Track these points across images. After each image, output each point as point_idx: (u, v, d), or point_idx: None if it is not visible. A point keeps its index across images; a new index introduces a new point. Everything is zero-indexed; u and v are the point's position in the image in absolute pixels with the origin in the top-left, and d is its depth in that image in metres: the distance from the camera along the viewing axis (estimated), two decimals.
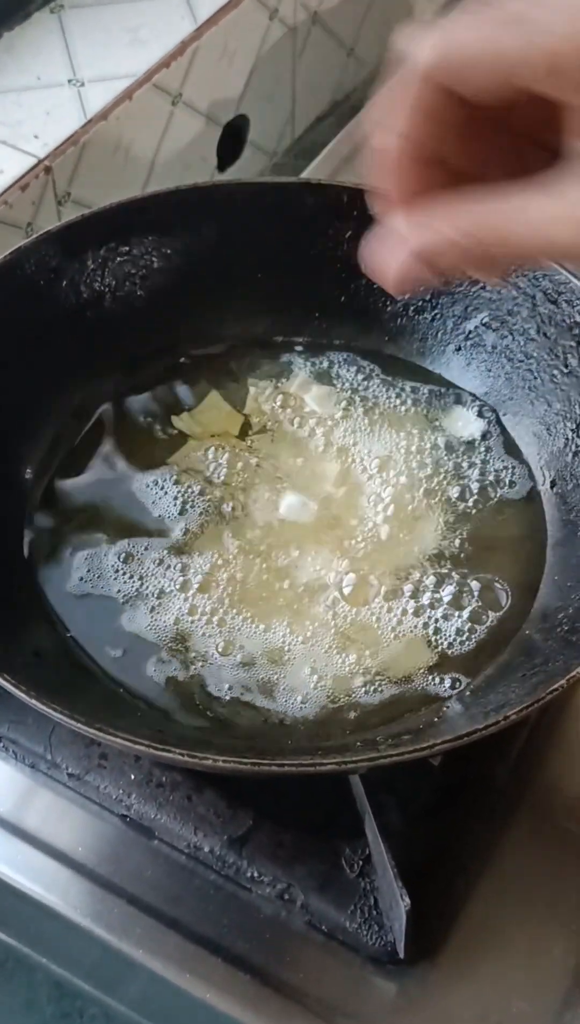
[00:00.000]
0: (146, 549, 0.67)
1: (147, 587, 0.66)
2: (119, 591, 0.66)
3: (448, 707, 0.61)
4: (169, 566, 0.67)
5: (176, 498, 0.70)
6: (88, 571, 0.67)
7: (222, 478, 0.71)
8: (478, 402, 0.76)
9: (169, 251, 0.76)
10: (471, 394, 0.76)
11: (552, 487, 0.70)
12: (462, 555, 0.68)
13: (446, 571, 0.67)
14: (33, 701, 0.52)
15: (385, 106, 0.41)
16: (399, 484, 0.71)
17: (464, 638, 0.65)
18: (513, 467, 0.72)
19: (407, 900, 0.54)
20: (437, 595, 0.66)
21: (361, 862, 0.59)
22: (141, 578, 0.66)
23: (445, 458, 0.73)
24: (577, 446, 0.69)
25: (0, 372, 0.69)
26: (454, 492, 0.71)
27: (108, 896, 0.60)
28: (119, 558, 0.67)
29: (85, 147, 0.84)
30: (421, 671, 0.63)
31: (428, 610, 0.65)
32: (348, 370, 0.77)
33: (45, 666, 0.61)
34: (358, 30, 1.17)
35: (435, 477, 0.72)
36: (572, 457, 0.69)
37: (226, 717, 0.61)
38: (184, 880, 0.60)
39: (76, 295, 0.73)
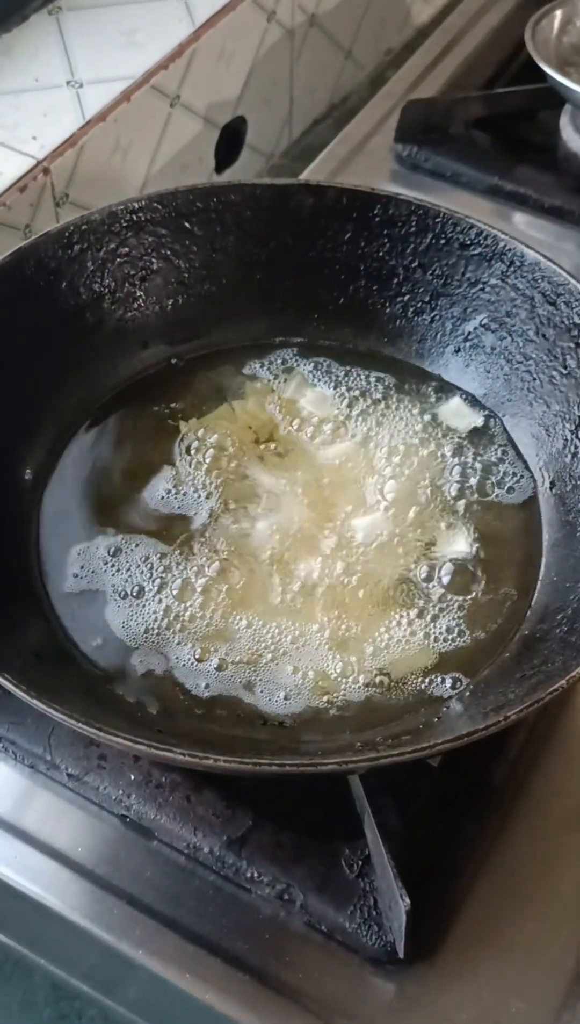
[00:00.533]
0: (141, 548, 0.67)
1: (146, 587, 0.66)
2: (117, 590, 0.66)
3: (447, 708, 0.62)
4: (167, 566, 0.67)
5: (174, 499, 0.70)
6: (85, 570, 0.67)
7: (220, 480, 0.71)
8: (477, 404, 0.76)
9: (168, 253, 0.76)
10: (470, 395, 0.76)
11: (551, 488, 0.71)
12: (461, 556, 0.68)
13: (444, 572, 0.67)
14: (34, 701, 0.53)
15: None
16: (397, 486, 0.71)
17: (463, 639, 0.65)
18: (512, 468, 0.72)
19: (407, 900, 0.54)
20: (436, 596, 0.66)
21: (360, 862, 0.59)
22: (139, 578, 0.66)
23: (443, 460, 0.73)
24: (576, 447, 0.69)
25: None
26: (452, 493, 0.71)
27: (107, 897, 0.60)
28: (116, 558, 0.67)
29: (83, 149, 0.84)
30: (420, 672, 0.63)
31: (427, 611, 0.66)
32: (346, 371, 0.77)
33: (45, 667, 0.61)
34: (356, 32, 1.17)
35: (433, 478, 0.72)
36: (571, 458, 0.70)
37: (224, 718, 0.61)
38: (183, 881, 0.60)
39: (75, 296, 0.73)
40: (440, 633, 0.65)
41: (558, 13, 1.01)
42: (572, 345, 0.70)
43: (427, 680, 0.63)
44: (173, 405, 0.75)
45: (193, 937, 0.58)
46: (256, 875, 0.59)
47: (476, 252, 0.74)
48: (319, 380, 0.77)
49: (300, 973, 0.57)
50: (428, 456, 0.73)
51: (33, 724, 0.64)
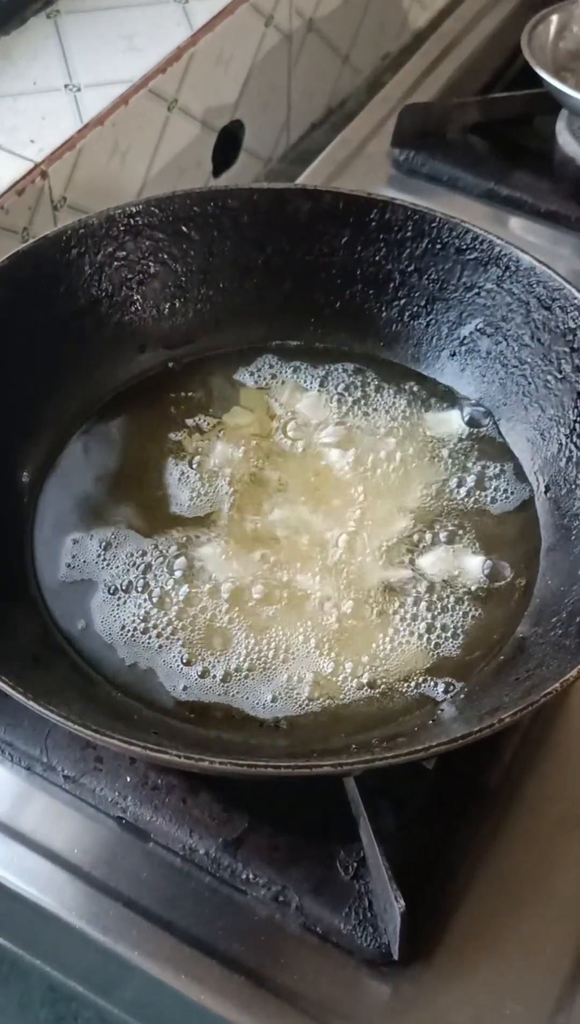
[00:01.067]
0: (135, 547, 0.68)
1: (145, 586, 0.66)
2: (115, 591, 0.66)
3: (442, 710, 0.62)
4: (158, 566, 0.67)
5: (168, 501, 0.70)
6: (78, 569, 0.67)
7: (215, 483, 0.71)
8: (472, 407, 0.76)
9: (165, 257, 0.76)
10: (465, 399, 0.76)
11: (546, 492, 0.71)
12: (455, 559, 0.68)
13: (439, 576, 0.67)
14: (31, 703, 0.53)
15: None
16: (392, 489, 0.72)
17: (458, 642, 0.65)
18: (507, 472, 0.73)
19: (402, 902, 0.55)
20: (431, 599, 0.66)
21: (355, 864, 0.59)
22: (138, 577, 0.66)
23: (439, 464, 0.73)
24: (571, 451, 0.70)
25: None
26: (448, 497, 0.72)
27: (104, 898, 0.60)
28: (108, 553, 0.67)
29: (81, 152, 0.84)
30: (415, 675, 0.63)
31: (422, 614, 0.66)
32: (343, 376, 0.78)
33: (43, 669, 0.61)
34: (353, 37, 1.18)
35: (429, 483, 0.72)
36: (566, 462, 0.70)
37: (219, 720, 0.62)
38: (179, 883, 0.60)
39: (72, 300, 0.73)
40: (435, 636, 0.65)
41: (554, 18, 1.01)
42: (567, 350, 0.70)
43: (422, 683, 0.63)
44: (170, 408, 0.76)
45: (189, 939, 0.59)
46: (252, 877, 0.59)
47: (472, 257, 0.74)
48: (315, 384, 0.77)
49: (296, 975, 0.58)
50: (423, 460, 0.73)
51: (30, 726, 0.64)
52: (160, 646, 0.64)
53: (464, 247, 0.74)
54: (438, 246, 0.75)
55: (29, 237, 0.81)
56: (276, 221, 0.76)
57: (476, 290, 0.75)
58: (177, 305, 0.77)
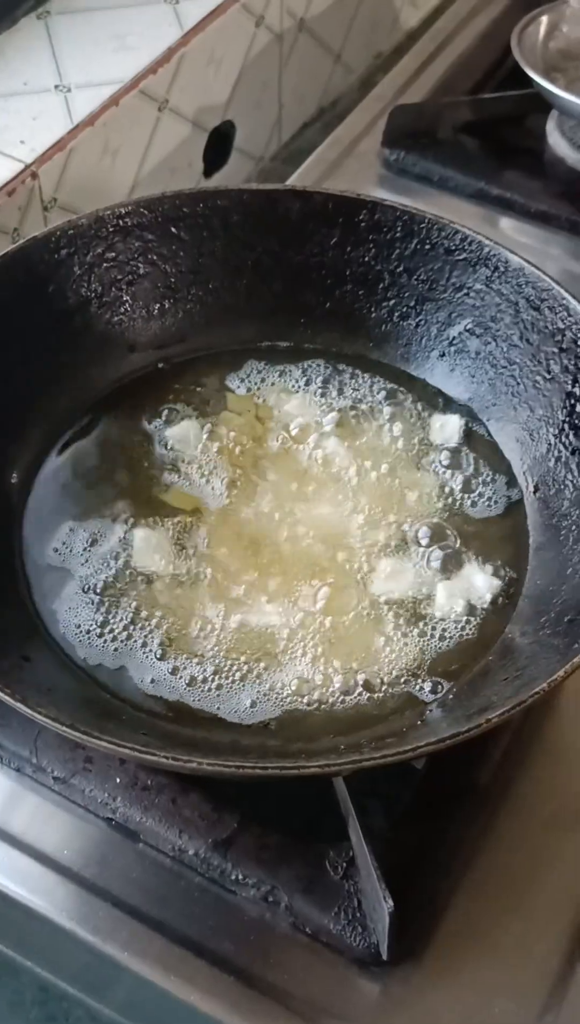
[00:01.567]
0: (122, 545, 0.68)
1: (131, 585, 0.66)
2: (100, 590, 0.66)
3: (431, 710, 0.62)
4: (146, 564, 0.67)
5: (162, 499, 0.71)
6: (68, 574, 0.67)
7: (203, 484, 0.72)
8: (462, 407, 0.76)
9: (155, 257, 0.76)
10: (455, 400, 0.76)
11: (535, 492, 0.71)
12: (445, 559, 0.69)
13: (429, 576, 0.68)
14: (19, 705, 0.53)
15: None
16: (381, 489, 0.72)
17: (447, 642, 0.65)
18: (496, 472, 0.73)
19: (390, 902, 0.55)
20: (420, 599, 0.67)
21: (345, 864, 0.60)
22: (124, 576, 0.67)
23: (428, 463, 0.73)
24: (559, 452, 0.70)
25: None
26: (437, 497, 0.72)
27: (93, 899, 0.60)
28: (98, 558, 0.67)
29: (72, 153, 0.84)
30: (404, 675, 0.64)
31: (412, 614, 0.66)
32: (332, 376, 0.78)
33: (33, 670, 0.61)
34: (345, 37, 1.18)
35: (418, 483, 0.72)
36: (554, 462, 0.70)
37: (208, 721, 0.62)
38: (169, 883, 0.60)
39: (63, 301, 0.73)
40: (424, 636, 0.65)
41: (544, 19, 1.01)
42: (556, 350, 0.70)
43: (411, 683, 0.63)
44: (160, 408, 0.76)
45: (179, 939, 0.59)
46: (241, 877, 0.59)
47: (461, 257, 0.74)
48: (305, 384, 0.77)
49: (285, 974, 0.58)
50: (413, 461, 0.74)
51: (19, 726, 0.64)
52: (143, 645, 0.64)
53: (453, 248, 0.74)
54: (427, 246, 0.75)
55: (20, 238, 0.81)
56: (266, 222, 0.76)
57: (465, 291, 0.75)
58: (167, 306, 0.77)
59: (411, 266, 0.76)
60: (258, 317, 0.79)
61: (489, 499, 0.72)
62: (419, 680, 0.63)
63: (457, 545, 0.69)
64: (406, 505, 0.71)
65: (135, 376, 0.77)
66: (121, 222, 0.74)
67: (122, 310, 0.76)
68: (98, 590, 0.66)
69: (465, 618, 0.66)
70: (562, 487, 0.69)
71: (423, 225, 0.75)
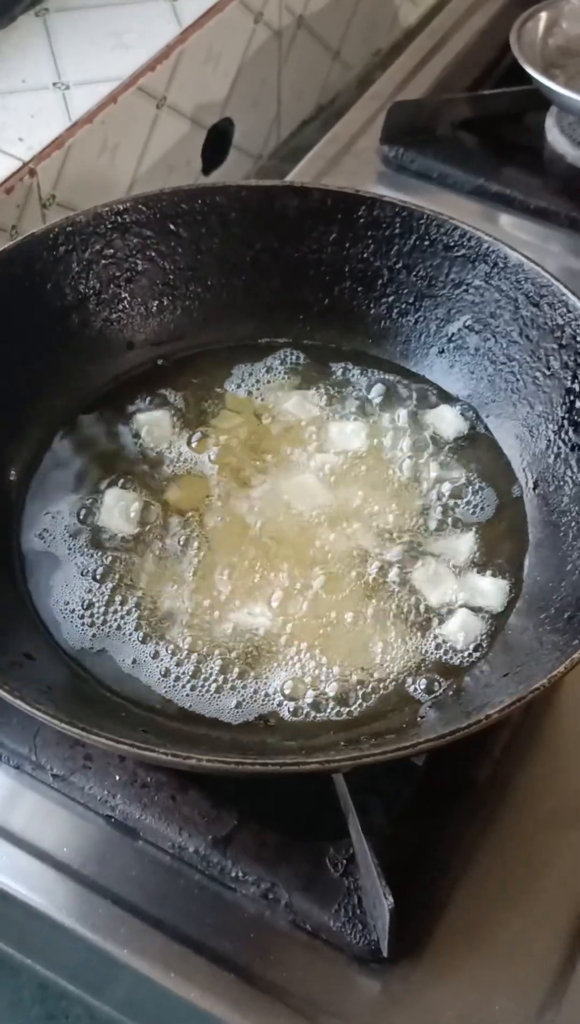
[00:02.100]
0: (124, 543, 0.68)
1: (132, 581, 0.66)
2: (102, 586, 0.66)
3: (430, 707, 0.62)
4: (151, 561, 0.67)
5: (160, 495, 0.70)
6: (69, 569, 0.67)
7: (201, 480, 0.72)
8: (461, 404, 0.76)
9: (153, 254, 0.76)
10: (454, 396, 0.76)
11: (534, 488, 0.71)
12: (443, 557, 0.68)
13: (427, 573, 0.67)
14: (17, 702, 0.53)
15: None
16: (380, 486, 0.72)
17: (447, 638, 0.65)
18: (495, 469, 0.73)
19: (390, 899, 0.55)
20: (419, 596, 0.66)
21: (345, 861, 0.60)
22: (125, 572, 0.66)
23: (428, 460, 0.73)
24: (558, 448, 0.70)
25: None
26: (436, 495, 0.72)
27: (93, 897, 0.60)
28: (100, 554, 0.67)
29: (70, 150, 0.84)
30: (404, 672, 0.63)
31: (411, 611, 0.66)
32: (331, 372, 0.78)
33: (34, 668, 0.61)
34: (343, 34, 1.18)
35: (417, 480, 0.72)
36: (554, 459, 0.70)
37: (206, 718, 0.62)
38: (169, 880, 0.60)
39: (60, 298, 0.73)
40: (422, 634, 0.65)
41: (543, 15, 1.01)
42: (555, 346, 0.70)
43: (410, 680, 0.63)
44: (158, 405, 0.75)
45: (178, 936, 0.59)
46: (241, 874, 0.59)
47: (460, 254, 0.74)
48: (304, 381, 0.77)
49: (285, 972, 0.58)
50: (412, 457, 0.73)
51: (19, 724, 0.64)
52: (141, 639, 0.64)
53: (452, 244, 0.74)
54: (426, 243, 0.75)
55: (18, 235, 0.80)
56: (264, 218, 0.76)
57: (464, 287, 0.75)
58: (165, 303, 0.77)
59: (410, 262, 0.76)
60: (256, 314, 0.79)
61: (488, 496, 0.72)
62: (418, 677, 0.63)
63: (455, 543, 0.69)
64: (404, 502, 0.71)
65: (133, 373, 0.77)
66: (119, 219, 0.74)
67: (120, 307, 0.76)
68: (99, 581, 0.66)
69: (465, 615, 0.66)
70: (561, 483, 0.69)
71: (422, 221, 0.75)
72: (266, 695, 0.62)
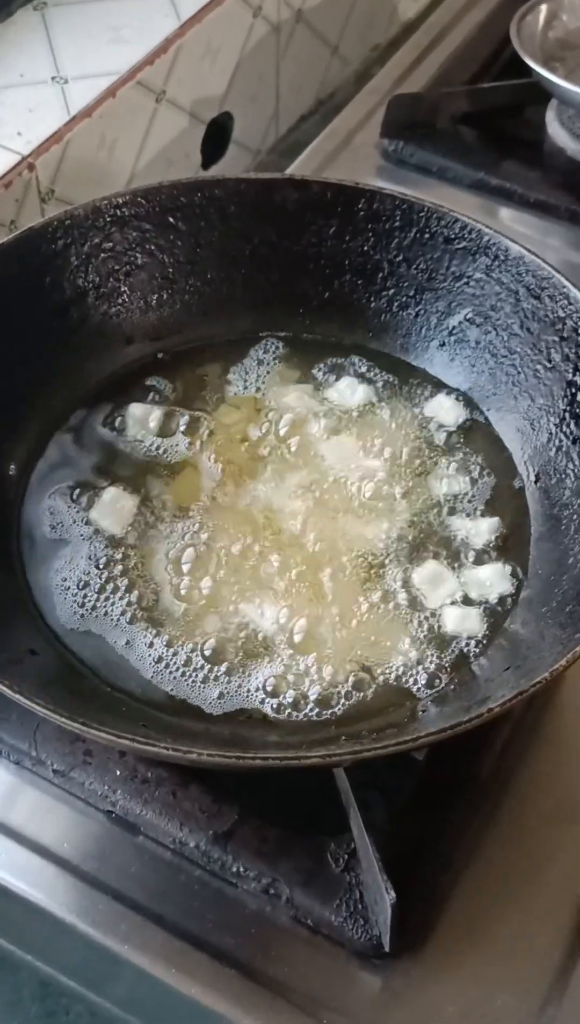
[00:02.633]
0: (123, 538, 0.68)
1: (132, 575, 0.66)
2: (101, 580, 0.66)
3: (432, 701, 0.62)
4: (150, 555, 0.67)
5: (159, 491, 0.70)
6: (69, 565, 0.67)
7: (201, 477, 0.71)
8: (462, 397, 0.76)
9: (152, 248, 0.76)
10: (455, 389, 0.76)
11: (536, 482, 0.71)
12: (445, 550, 0.68)
13: (428, 568, 0.67)
14: (18, 696, 0.52)
15: None
16: (379, 479, 0.71)
17: (447, 633, 0.65)
18: (496, 462, 0.72)
19: (392, 894, 0.55)
20: (420, 590, 0.66)
21: (346, 857, 0.59)
22: (124, 566, 0.66)
23: (428, 453, 0.73)
24: (560, 441, 0.69)
25: None
26: (437, 488, 0.71)
27: (93, 892, 0.60)
28: (100, 550, 0.67)
29: (69, 144, 0.84)
30: (405, 666, 0.63)
31: (414, 605, 0.66)
32: (331, 366, 0.77)
33: (36, 664, 0.61)
34: (342, 29, 1.17)
35: (419, 473, 0.72)
36: (555, 452, 0.70)
37: (206, 713, 0.61)
38: (169, 876, 0.60)
39: (59, 292, 0.73)
40: (424, 628, 0.65)
41: (543, 8, 1.01)
42: (556, 339, 0.70)
43: (411, 674, 0.63)
44: (157, 399, 0.75)
45: (179, 932, 0.58)
46: (242, 870, 0.59)
47: (460, 246, 0.74)
48: (303, 375, 0.77)
49: (286, 967, 0.58)
50: (413, 451, 0.73)
51: (19, 720, 0.64)
52: (144, 635, 0.64)
53: (453, 236, 0.74)
54: (426, 235, 0.75)
55: (16, 229, 0.80)
56: (263, 211, 0.76)
57: (465, 279, 0.75)
58: (164, 296, 0.77)
59: (410, 255, 0.76)
60: (256, 308, 0.78)
61: (489, 489, 0.71)
62: (419, 671, 0.63)
63: (456, 537, 0.69)
64: (405, 496, 0.71)
65: (132, 368, 0.77)
66: (118, 212, 0.74)
67: (119, 301, 0.76)
68: (98, 577, 0.66)
69: (465, 609, 0.65)
70: (563, 477, 0.68)
71: (422, 214, 0.74)
72: (265, 690, 0.62)
